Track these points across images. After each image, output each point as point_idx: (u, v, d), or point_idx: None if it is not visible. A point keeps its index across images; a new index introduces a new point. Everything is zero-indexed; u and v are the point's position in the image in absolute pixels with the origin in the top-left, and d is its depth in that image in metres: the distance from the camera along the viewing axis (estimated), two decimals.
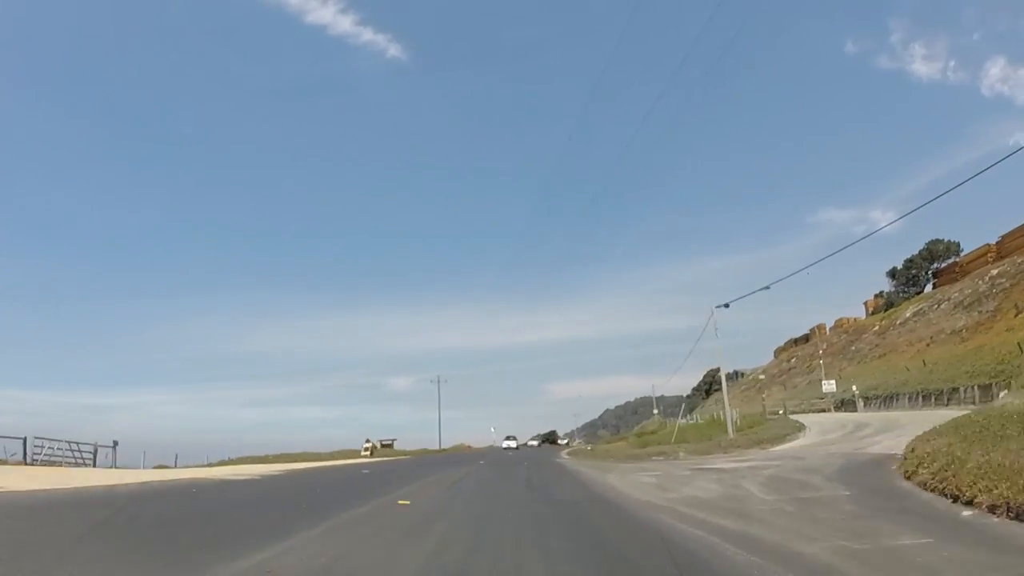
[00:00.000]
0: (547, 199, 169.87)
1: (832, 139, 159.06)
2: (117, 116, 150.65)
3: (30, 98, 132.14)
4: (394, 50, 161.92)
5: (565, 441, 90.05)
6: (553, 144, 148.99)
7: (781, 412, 46.10)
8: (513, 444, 61.78)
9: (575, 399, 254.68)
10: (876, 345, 58.94)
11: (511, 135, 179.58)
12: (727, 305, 33.08)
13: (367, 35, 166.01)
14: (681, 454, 29.32)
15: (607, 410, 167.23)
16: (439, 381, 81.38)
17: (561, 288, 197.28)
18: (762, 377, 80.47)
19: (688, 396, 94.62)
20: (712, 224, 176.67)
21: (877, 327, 65.90)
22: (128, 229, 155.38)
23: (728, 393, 36.57)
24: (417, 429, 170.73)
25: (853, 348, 61.24)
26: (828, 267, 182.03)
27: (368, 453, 38.36)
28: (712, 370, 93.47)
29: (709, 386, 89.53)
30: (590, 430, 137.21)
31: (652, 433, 56.25)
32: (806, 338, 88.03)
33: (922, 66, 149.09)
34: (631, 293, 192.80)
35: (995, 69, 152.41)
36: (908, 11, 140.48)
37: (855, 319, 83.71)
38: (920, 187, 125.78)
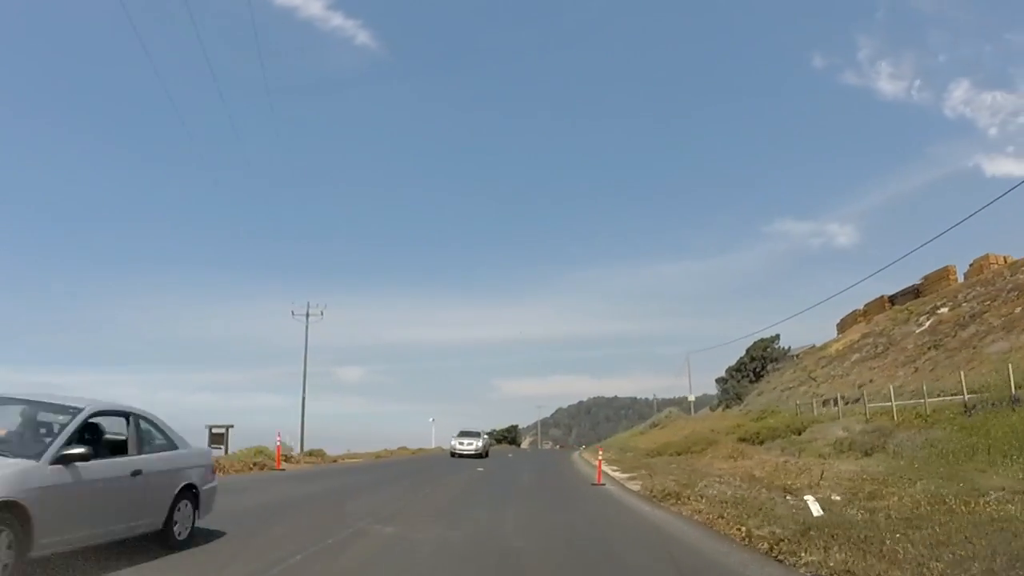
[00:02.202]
0: (508, 199, 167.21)
1: (793, 150, 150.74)
2: (64, 80, 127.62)
3: None
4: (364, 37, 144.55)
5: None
6: (519, 143, 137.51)
7: None
8: None
9: (524, 397, 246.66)
10: None
11: (478, 134, 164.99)
12: None
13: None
14: None
15: (559, 408, 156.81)
16: (311, 312, 44.17)
17: (517, 286, 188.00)
18: (870, 341, 46.71)
19: (723, 379, 60.66)
20: (670, 228, 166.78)
21: None
22: (82, 201, 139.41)
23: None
24: (368, 421, 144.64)
25: None
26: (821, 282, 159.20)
27: None
28: (763, 340, 59.56)
29: (762, 364, 55.98)
30: (541, 428, 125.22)
31: (768, 434, 20.94)
32: (916, 292, 54.85)
33: (888, 84, 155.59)
34: (586, 294, 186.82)
35: (959, 92, 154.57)
36: (878, 29, 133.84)
37: (1006, 258, 53.14)
38: (878, 203, 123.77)
